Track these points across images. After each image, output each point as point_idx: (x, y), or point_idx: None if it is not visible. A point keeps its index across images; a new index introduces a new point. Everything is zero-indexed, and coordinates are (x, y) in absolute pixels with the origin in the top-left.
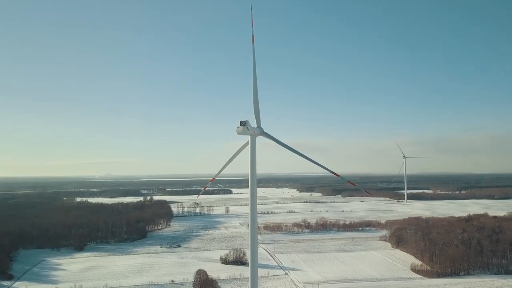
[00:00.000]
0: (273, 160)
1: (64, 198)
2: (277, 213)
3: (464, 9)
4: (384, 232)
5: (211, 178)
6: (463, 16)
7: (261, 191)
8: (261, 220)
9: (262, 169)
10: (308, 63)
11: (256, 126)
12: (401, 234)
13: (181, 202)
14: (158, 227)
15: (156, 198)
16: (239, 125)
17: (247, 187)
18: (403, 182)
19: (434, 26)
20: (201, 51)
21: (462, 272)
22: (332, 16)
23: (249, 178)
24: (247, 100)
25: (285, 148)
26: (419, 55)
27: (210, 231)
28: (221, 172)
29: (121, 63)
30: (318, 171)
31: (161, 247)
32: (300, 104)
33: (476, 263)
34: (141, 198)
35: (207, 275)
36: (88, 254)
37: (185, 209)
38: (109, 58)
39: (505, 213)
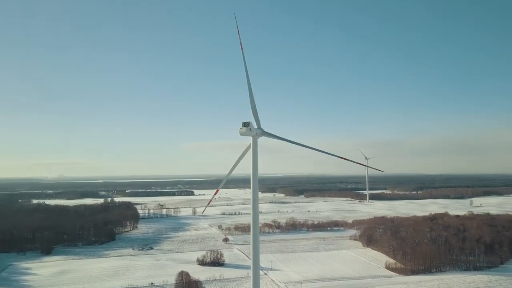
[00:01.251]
0: (230, 161)
1: (20, 200)
2: (244, 214)
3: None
4: (353, 232)
5: (215, 191)
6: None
7: (223, 192)
8: (230, 221)
9: (222, 170)
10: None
11: (256, 128)
12: (371, 234)
13: (144, 204)
14: (126, 229)
15: (117, 200)
16: (241, 126)
17: (209, 188)
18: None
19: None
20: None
21: (434, 269)
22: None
23: (251, 178)
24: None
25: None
26: (375, 61)
27: (180, 233)
28: (177, 174)
29: (76, 60)
30: (277, 172)
31: (133, 250)
32: (263, 105)
33: (446, 261)
34: (102, 200)
35: (190, 276)
36: (57, 257)
37: (151, 211)
38: (60, 54)
39: (465, 213)
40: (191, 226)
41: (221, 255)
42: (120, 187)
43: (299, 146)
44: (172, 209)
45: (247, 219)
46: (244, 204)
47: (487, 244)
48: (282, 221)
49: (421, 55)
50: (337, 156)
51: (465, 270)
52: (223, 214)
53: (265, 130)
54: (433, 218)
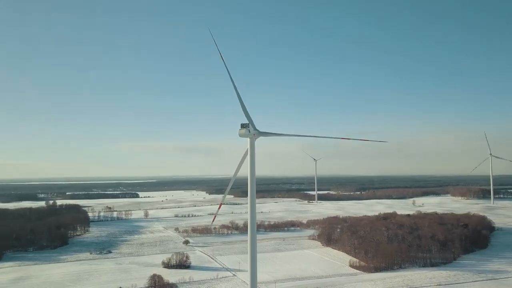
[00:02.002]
0: (172, 163)
1: None
2: (198, 215)
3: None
4: (310, 232)
5: (162, 193)
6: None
7: (169, 194)
8: (185, 224)
9: (164, 172)
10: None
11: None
12: (330, 233)
13: (90, 207)
14: (77, 233)
15: (60, 202)
16: (240, 128)
17: (154, 190)
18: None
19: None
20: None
21: (395, 266)
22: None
23: (248, 179)
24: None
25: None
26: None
27: (135, 236)
28: (115, 175)
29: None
30: (220, 174)
31: (91, 254)
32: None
33: (406, 258)
34: (43, 203)
35: (163, 279)
36: (10, 263)
37: (102, 214)
38: None
39: (414, 212)
40: (145, 229)
41: (187, 257)
42: (58, 189)
43: (298, 137)
44: (124, 212)
45: (203, 221)
46: (195, 206)
47: (441, 241)
48: (240, 222)
49: (357, 61)
50: (341, 138)
51: (423, 266)
52: (176, 216)
53: (260, 131)
54: (386, 217)
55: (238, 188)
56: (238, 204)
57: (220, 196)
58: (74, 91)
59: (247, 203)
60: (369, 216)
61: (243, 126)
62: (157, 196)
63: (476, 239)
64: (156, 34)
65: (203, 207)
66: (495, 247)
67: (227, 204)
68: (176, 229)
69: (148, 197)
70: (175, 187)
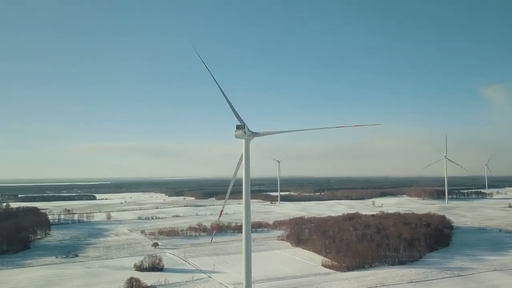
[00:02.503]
0: (127, 165)
1: None
2: (162, 218)
3: None
4: (278, 232)
5: (219, 212)
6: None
7: (127, 196)
8: (150, 226)
9: (122, 174)
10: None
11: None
12: (299, 234)
13: (47, 209)
14: (38, 237)
15: (14, 205)
16: (236, 129)
17: (110, 192)
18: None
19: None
20: None
21: (366, 265)
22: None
23: (243, 180)
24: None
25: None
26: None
27: (101, 239)
28: (71, 177)
29: None
30: (176, 176)
31: (56, 258)
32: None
33: (376, 257)
34: None
35: (141, 282)
36: None
37: (62, 217)
38: None
39: (376, 212)
40: (109, 232)
41: (160, 259)
42: (8, 192)
43: (294, 132)
44: (85, 214)
45: (168, 223)
46: (157, 208)
47: (407, 240)
48: (207, 224)
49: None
50: (335, 127)
51: (392, 264)
52: (140, 218)
53: (253, 131)
54: (352, 218)
55: (200, 190)
56: (202, 206)
57: (180, 198)
58: (23, 88)
59: (210, 205)
60: (333, 216)
61: (238, 127)
62: (115, 198)
63: (439, 238)
64: (121, 37)
65: (166, 209)
66: (456, 245)
67: (190, 206)
68: (142, 232)
69: (106, 199)
70: (132, 189)
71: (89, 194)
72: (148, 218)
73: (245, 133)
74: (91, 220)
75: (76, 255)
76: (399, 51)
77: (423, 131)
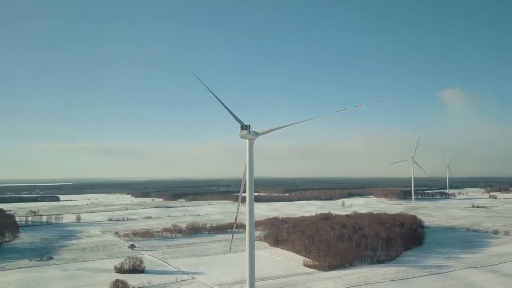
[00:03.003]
0: (87, 165)
1: None
2: (134, 219)
3: None
4: (255, 233)
5: (88, 196)
6: None
7: (93, 198)
8: (122, 227)
9: (83, 175)
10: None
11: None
12: (277, 234)
13: (10, 211)
14: (5, 239)
15: None
16: (240, 129)
17: (74, 193)
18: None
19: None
20: None
21: (347, 264)
22: None
23: (247, 180)
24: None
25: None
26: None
27: (73, 241)
28: (30, 178)
29: None
30: (138, 177)
31: (30, 260)
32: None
33: (356, 256)
34: None
35: (127, 284)
36: None
37: (29, 219)
38: None
39: (349, 212)
40: (81, 234)
41: (141, 261)
42: None
43: (296, 124)
44: (53, 216)
45: (140, 225)
46: (127, 209)
47: (384, 240)
48: (182, 225)
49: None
50: (336, 111)
51: (371, 263)
52: (111, 220)
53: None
54: (327, 218)
55: (167, 191)
56: (172, 207)
57: (148, 200)
58: None
59: (181, 206)
60: (308, 216)
61: (243, 127)
62: (79, 199)
63: (413, 237)
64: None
65: (136, 211)
66: (429, 244)
67: (160, 207)
68: (116, 233)
69: (71, 200)
70: (96, 190)
71: (52, 195)
72: (119, 220)
73: (250, 133)
74: (60, 222)
75: (51, 258)
76: (364, 53)
77: (385, 134)
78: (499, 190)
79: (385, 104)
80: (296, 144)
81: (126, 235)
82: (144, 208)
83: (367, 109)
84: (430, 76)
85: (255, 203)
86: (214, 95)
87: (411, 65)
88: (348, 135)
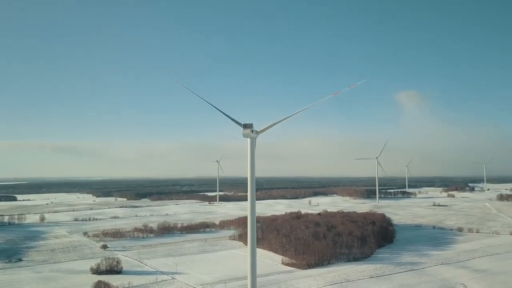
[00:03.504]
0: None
1: None
2: (100, 219)
3: None
4: (225, 232)
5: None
6: None
7: (51, 197)
8: (90, 227)
9: (33, 174)
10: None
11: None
12: None
13: None
14: None
15: None
16: (243, 128)
17: (31, 193)
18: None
19: None
20: None
21: (325, 262)
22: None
23: (248, 179)
24: None
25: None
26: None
27: (40, 242)
28: None
29: None
30: (94, 176)
31: None
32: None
33: (333, 254)
34: None
35: (110, 285)
36: None
37: None
38: None
39: (319, 211)
40: (47, 234)
41: (118, 262)
42: None
43: (296, 114)
44: (16, 216)
45: (108, 225)
46: (92, 209)
47: (359, 238)
48: (153, 225)
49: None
50: (332, 95)
51: (347, 261)
52: (76, 220)
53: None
54: (299, 216)
55: (129, 190)
56: (139, 206)
57: (111, 199)
58: None
59: (147, 206)
60: (278, 215)
61: (246, 126)
62: (38, 199)
63: (385, 235)
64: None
65: (102, 210)
66: (399, 241)
67: (126, 206)
68: (85, 234)
69: (29, 200)
70: (54, 189)
71: (8, 195)
72: (86, 220)
73: (252, 131)
74: (23, 222)
75: (20, 260)
76: (322, 55)
77: (344, 135)
78: (456, 189)
79: (342, 105)
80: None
81: (95, 235)
82: (110, 207)
83: (324, 110)
84: (388, 78)
85: (222, 202)
86: (209, 102)
87: (370, 66)
88: (307, 136)
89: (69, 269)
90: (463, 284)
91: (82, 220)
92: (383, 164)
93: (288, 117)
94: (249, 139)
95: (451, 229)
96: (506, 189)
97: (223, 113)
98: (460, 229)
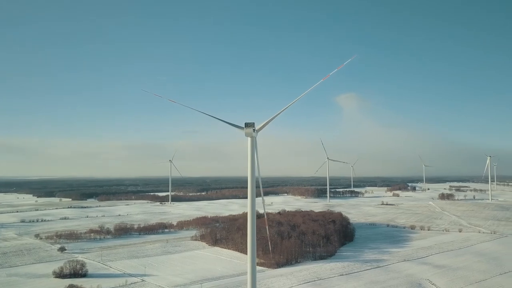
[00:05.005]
0: None
1: None
2: (50, 220)
3: None
4: (184, 233)
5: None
6: None
7: None
8: (39, 229)
9: None
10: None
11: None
12: (216, 233)
13: None
14: None
15: None
16: (245, 127)
17: None
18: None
19: None
20: None
21: (293, 261)
22: None
23: (249, 178)
24: None
25: None
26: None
27: None
28: None
29: None
30: (29, 174)
31: None
32: None
33: (300, 253)
34: None
35: None
36: None
37: None
38: None
39: (279, 210)
40: None
41: (83, 265)
42: None
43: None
44: None
45: (59, 226)
46: (38, 210)
47: (323, 236)
48: (108, 226)
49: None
50: (322, 79)
51: (314, 260)
52: (23, 221)
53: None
54: (259, 216)
55: (72, 191)
56: (88, 207)
57: (54, 200)
58: None
59: (97, 206)
60: (236, 215)
61: (248, 125)
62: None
63: (346, 233)
64: None
65: (49, 211)
66: (359, 239)
67: (75, 207)
68: (37, 236)
69: None
70: None
71: None
72: (33, 221)
73: (254, 130)
74: None
75: None
76: (266, 56)
77: (287, 136)
78: (400, 189)
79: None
80: (196, 143)
81: (48, 237)
82: (56, 208)
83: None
84: (328, 81)
85: (174, 202)
86: (204, 113)
87: (310, 70)
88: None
89: (28, 273)
90: (428, 279)
91: (30, 221)
92: (324, 165)
93: (283, 110)
94: (249, 139)
95: (404, 227)
96: (444, 189)
97: (221, 120)
98: (412, 227)
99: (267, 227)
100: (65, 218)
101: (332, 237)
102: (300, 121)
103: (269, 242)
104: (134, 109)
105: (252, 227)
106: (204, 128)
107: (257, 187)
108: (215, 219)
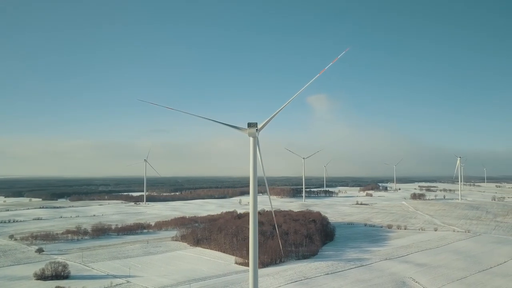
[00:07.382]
0: None
1: None
2: (22, 221)
3: None
4: (164, 233)
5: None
6: None
7: None
8: (12, 230)
9: None
10: None
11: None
12: (197, 233)
13: None
14: None
15: None
16: (248, 127)
17: None
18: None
19: None
20: None
21: (278, 261)
22: None
23: (251, 178)
24: None
25: None
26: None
27: None
28: None
29: None
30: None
31: None
32: None
33: (284, 252)
34: None
35: None
36: None
37: None
38: None
39: (258, 210)
40: None
41: (64, 266)
42: None
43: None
44: None
45: (33, 227)
46: (8, 210)
47: (305, 236)
48: (86, 226)
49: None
50: (319, 73)
51: (297, 259)
52: None
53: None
54: (241, 216)
55: (42, 190)
56: (61, 207)
57: (24, 200)
58: None
59: (70, 206)
60: (215, 215)
61: (251, 125)
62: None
63: (326, 233)
64: None
65: (21, 212)
66: (339, 239)
67: (48, 207)
68: (11, 237)
69: None
70: None
71: None
72: (5, 222)
73: (256, 131)
74: None
75: None
76: (261, 58)
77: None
78: (372, 189)
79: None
80: (167, 142)
81: (24, 238)
82: (28, 208)
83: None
84: (302, 80)
85: (149, 202)
86: (205, 117)
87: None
88: (223, 136)
89: (7, 275)
90: (411, 277)
91: (1, 222)
92: (298, 165)
93: (283, 107)
94: (251, 139)
95: (381, 226)
96: (415, 189)
97: (224, 124)
98: (389, 226)
99: (276, 225)
100: (38, 219)
101: (314, 237)
102: (274, 121)
103: (279, 241)
104: (101, 107)
105: (253, 227)
106: (176, 127)
107: (260, 185)
108: (194, 220)
